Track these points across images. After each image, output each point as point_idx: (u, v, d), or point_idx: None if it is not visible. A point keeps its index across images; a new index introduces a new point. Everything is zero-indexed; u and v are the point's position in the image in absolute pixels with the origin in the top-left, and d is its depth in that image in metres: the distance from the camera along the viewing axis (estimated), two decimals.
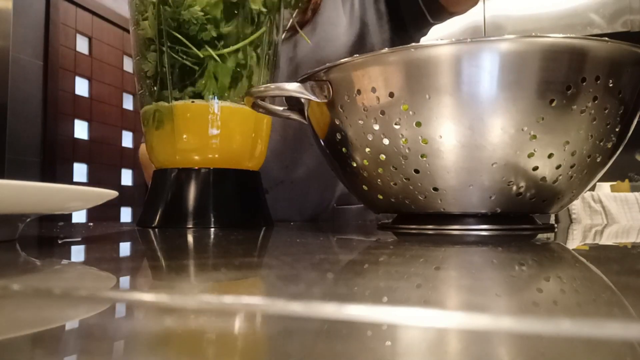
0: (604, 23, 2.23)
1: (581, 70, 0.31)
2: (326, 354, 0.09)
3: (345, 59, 0.35)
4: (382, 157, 0.35)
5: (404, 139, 0.34)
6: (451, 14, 0.72)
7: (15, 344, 0.10)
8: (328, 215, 0.76)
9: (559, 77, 0.31)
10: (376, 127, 0.35)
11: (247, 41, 0.49)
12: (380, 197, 0.38)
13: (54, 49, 2.27)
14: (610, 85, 0.32)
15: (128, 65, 2.69)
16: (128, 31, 0.54)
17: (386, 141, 0.34)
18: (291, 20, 0.71)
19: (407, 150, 0.34)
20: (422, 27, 0.76)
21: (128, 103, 2.72)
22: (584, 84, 0.31)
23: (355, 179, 0.39)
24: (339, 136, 0.38)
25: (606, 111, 0.33)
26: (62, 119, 2.32)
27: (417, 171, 0.34)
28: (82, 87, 2.46)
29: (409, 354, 0.09)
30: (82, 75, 2.45)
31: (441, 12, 0.72)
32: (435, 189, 0.34)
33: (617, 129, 0.34)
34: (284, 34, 0.72)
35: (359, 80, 0.35)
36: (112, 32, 2.62)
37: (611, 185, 1.94)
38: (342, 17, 0.74)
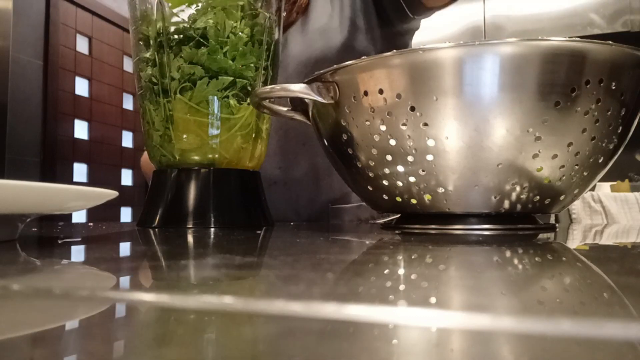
0: (604, 23, 2.23)
1: (585, 72, 0.31)
2: (327, 354, 0.09)
3: (353, 61, 0.35)
4: (389, 157, 0.35)
5: (410, 140, 0.34)
6: (430, 9, 0.72)
7: (15, 344, 0.10)
8: (324, 215, 0.76)
9: (563, 79, 0.31)
10: (383, 127, 0.35)
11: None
12: (385, 197, 0.38)
13: (54, 49, 2.27)
14: (613, 87, 0.32)
15: (128, 65, 2.69)
16: (128, 31, 0.54)
17: (393, 142, 0.34)
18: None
19: (413, 151, 0.34)
20: (406, 22, 0.76)
21: (128, 103, 2.72)
22: (588, 86, 0.32)
23: (360, 179, 0.39)
24: (344, 137, 0.38)
25: (609, 113, 0.33)
26: (62, 119, 2.33)
27: (423, 171, 0.34)
28: (82, 87, 2.46)
29: (413, 354, 0.09)
30: (82, 75, 2.45)
31: (420, 8, 0.72)
32: (441, 189, 0.34)
33: (618, 130, 0.34)
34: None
35: (367, 81, 0.35)
36: (112, 32, 2.62)
37: (611, 185, 1.94)
38: (333, 18, 0.74)
